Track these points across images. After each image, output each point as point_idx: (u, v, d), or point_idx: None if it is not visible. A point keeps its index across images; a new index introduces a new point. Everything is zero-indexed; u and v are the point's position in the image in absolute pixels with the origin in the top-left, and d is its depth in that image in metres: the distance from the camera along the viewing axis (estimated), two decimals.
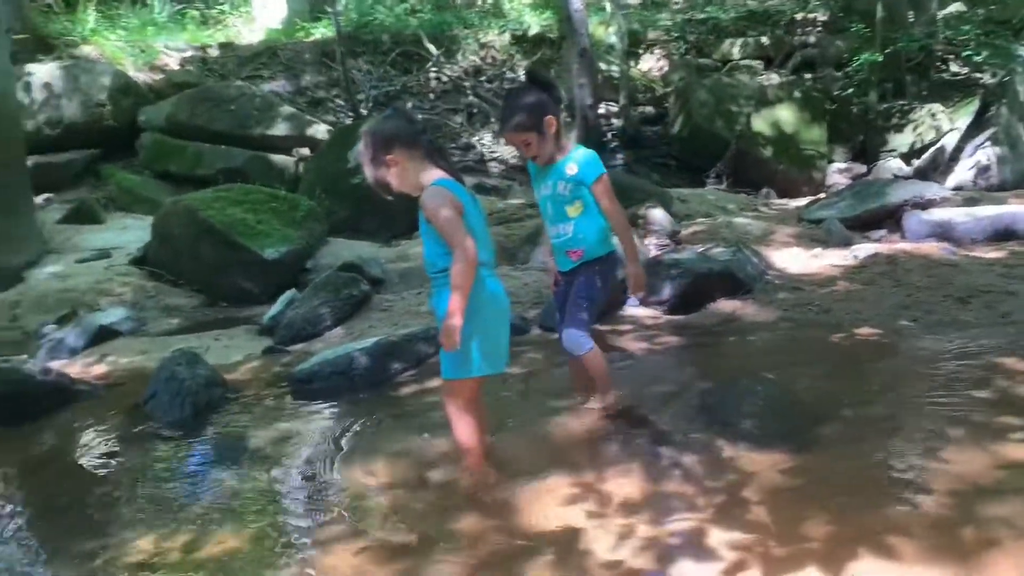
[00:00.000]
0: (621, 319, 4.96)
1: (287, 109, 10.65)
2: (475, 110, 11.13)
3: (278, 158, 10.13)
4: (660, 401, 3.52)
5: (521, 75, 11.54)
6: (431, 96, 11.32)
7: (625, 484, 2.73)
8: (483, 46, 12.42)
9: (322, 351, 4.48)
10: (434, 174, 2.79)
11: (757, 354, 4.21)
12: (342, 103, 11.47)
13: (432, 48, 11.92)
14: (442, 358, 2.80)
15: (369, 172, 2.82)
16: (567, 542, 2.40)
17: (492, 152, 10.48)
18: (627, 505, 2.58)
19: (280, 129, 10.33)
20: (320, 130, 10.46)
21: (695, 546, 2.30)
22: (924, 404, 3.38)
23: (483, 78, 11.74)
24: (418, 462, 3.04)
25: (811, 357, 4.09)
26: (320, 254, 6.95)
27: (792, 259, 5.97)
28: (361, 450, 3.25)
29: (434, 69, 11.73)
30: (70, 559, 2.53)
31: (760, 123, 9.95)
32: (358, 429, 3.47)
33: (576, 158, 3.29)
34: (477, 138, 10.77)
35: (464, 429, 2.86)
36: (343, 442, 3.35)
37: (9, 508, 2.98)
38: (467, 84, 11.50)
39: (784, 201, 9.08)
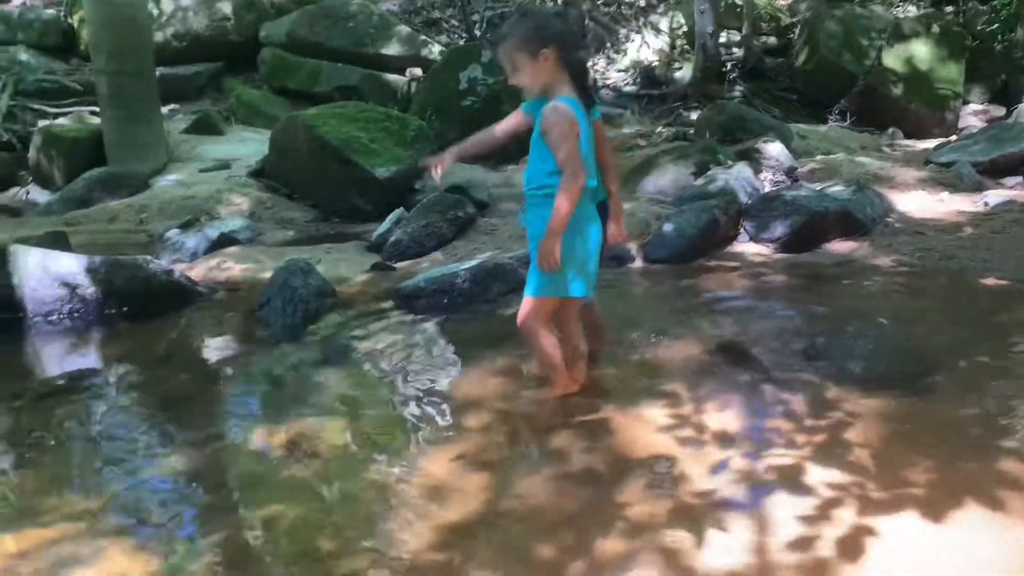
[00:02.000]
0: (731, 255, 4.86)
1: (403, 28, 10.67)
2: (590, 34, 10.87)
3: (391, 77, 10.21)
4: (765, 339, 3.45)
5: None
6: None
7: (723, 417, 2.70)
8: None
9: (427, 269, 4.57)
10: (565, 90, 2.75)
11: (871, 297, 4.06)
12: (456, 23, 11.41)
13: None
14: (531, 277, 2.79)
15: (509, 50, 2.73)
16: (660, 468, 2.41)
17: (605, 78, 10.27)
18: (723, 437, 2.56)
19: (394, 48, 10.38)
20: (433, 50, 10.46)
21: (790, 482, 2.26)
22: None
23: (600, 1, 11.42)
24: (513, 380, 3.09)
25: (929, 304, 3.93)
26: (429, 175, 7.02)
27: (916, 202, 5.69)
28: (459, 365, 3.33)
29: None
30: (185, 447, 2.70)
31: (892, 59, 9.39)
32: (457, 345, 3.54)
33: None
34: (591, 63, 10.54)
35: (548, 347, 2.84)
36: (443, 356, 3.43)
37: (130, 399, 3.19)
38: (585, 7, 11.22)
39: (911, 142, 8.61)
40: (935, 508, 2.09)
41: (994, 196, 5.67)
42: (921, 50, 9.35)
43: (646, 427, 2.67)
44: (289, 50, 10.56)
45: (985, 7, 10.47)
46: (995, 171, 6.38)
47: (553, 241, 2.64)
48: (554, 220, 2.64)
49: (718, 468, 2.38)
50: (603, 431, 2.67)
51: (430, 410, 2.91)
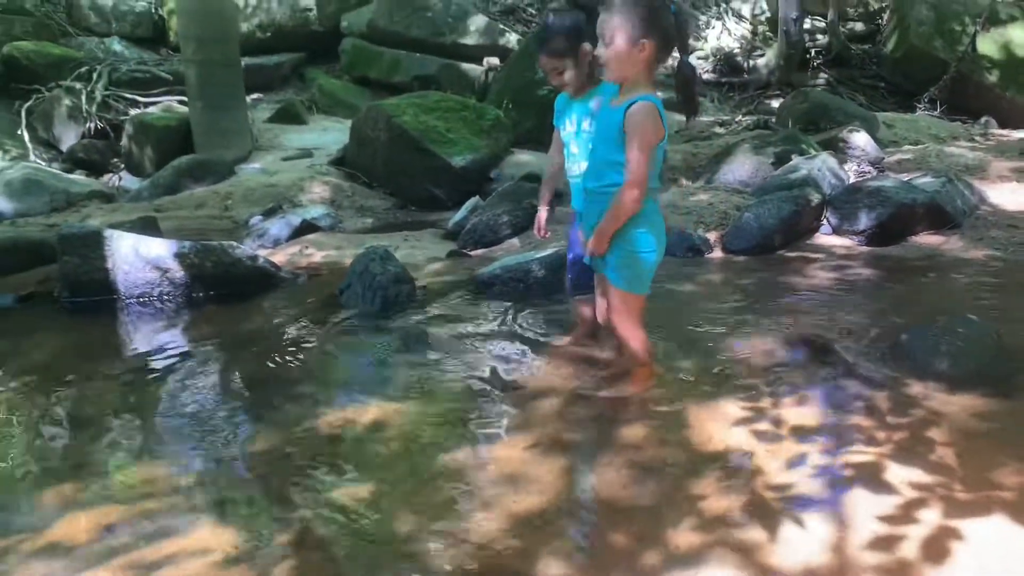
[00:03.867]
0: (812, 247, 4.76)
1: (480, 17, 10.72)
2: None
3: (468, 66, 10.27)
4: (848, 333, 3.37)
5: None
6: None
7: (801, 412, 2.66)
8: None
9: (502, 257, 4.60)
10: (648, 88, 2.71)
11: (960, 292, 3.93)
12: (534, 12, 11.39)
13: None
14: (619, 274, 2.82)
15: (611, 24, 2.61)
16: (735, 461, 2.38)
17: None
18: (801, 432, 2.52)
19: (472, 37, 10.43)
20: (511, 40, 10.48)
21: (871, 479, 2.21)
22: None
23: None
24: (590, 370, 3.09)
25: (1021, 300, 3.77)
26: (504, 164, 7.06)
27: (1010, 195, 5.47)
28: (536, 353, 3.34)
29: None
30: (269, 426, 2.78)
31: (987, 45, 9.01)
32: (534, 334, 3.56)
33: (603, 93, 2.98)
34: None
35: (639, 342, 2.89)
36: (519, 344, 3.45)
37: (217, 378, 3.30)
38: None
39: (1006, 132, 8.25)
40: (1022, 511, 2.02)
41: None
42: (1019, 35, 8.95)
43: (723, 420, 2.64)
44: (369, 40, 10.73)
45: None
46: None
47: (608, 230, 2.72)
48: (614, 218, 2.69)
49: (795, 463, 2.34)
50: (679, 423, 2.66)
51: (506, 398, 2.94)
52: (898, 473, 2.24)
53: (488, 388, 3.02)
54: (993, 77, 9.02)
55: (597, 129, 2.88)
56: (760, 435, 2.53)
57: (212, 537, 2.10)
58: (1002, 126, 8.57)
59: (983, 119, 8.77)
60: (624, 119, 2.66)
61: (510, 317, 3.78)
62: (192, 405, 2.99)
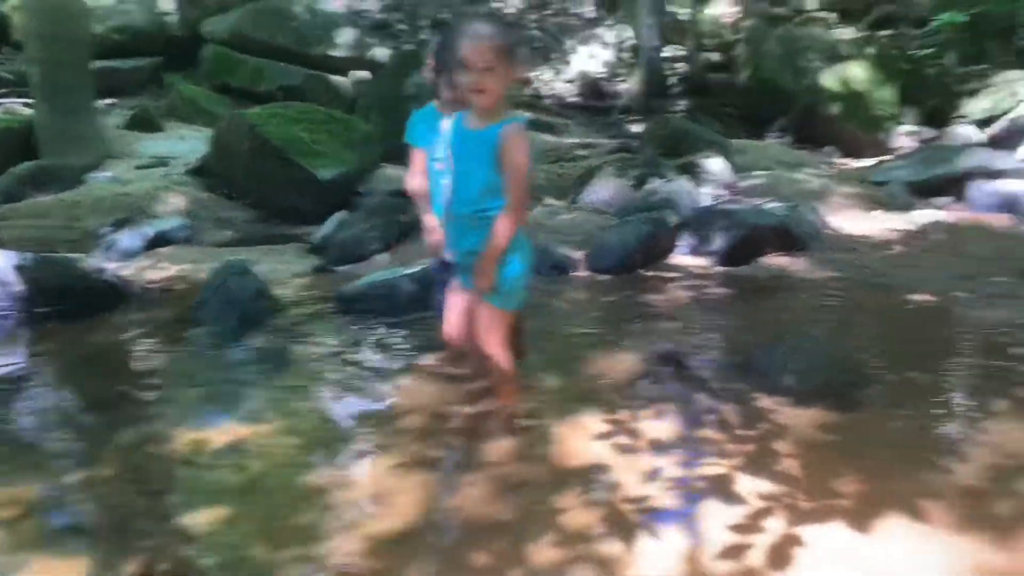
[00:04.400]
0: (671, 267, 4.92)
1: (349, 30, 10.59)
2: (537, 44, 10.93)
3: (336, 79, 10.12)
4: (701, 350, 3.51)
5: (588, 10, 11.30)
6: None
7: (658, 426, 2.73)
8: None
9: (369, 274, 4.52)
10: (512, 110, 2.72)
11: (806, 311, 4.16)
12: (404, 27, 11.36)
13: None
14: (493, 292, 2.81)
15: (492, 49, 2.54)
16: (594, 475, 2.42)
17: (550, 88, 10.33)
18: (657, 445, 2.59)
19: (340, 50, 10.30)
20: (380, 53, 10.40)
21: (722, 490, 2.30)
22: (971, 374, 3.33)
23: (548, 11, 11.50)
24: (456, 387, 3.08)
25: (861, 318, 4.04)
26: (373, 178, 6.97)
27: (850, 220, 5.85)
28: (401, 371, 3.30)
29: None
30: (114, 450, 2.62)
31: (830, 79, 9.65)
32: (399, 351, 3.52)
33: None
34: (536, 73, 10.60)
35: (506, 359, 2.88)
36: (383, 362, 3.40)
37: (57, 399, 3.09)
38: (532, 16, 11.28)
39: (847, 160, 8.85)
40: (861, 518, 2.15)
41: (924, 216, 5.86)
42: (858, 72, 9.63)
43: (584, 435, 2.68)
44: (232, 47, 10.40)
45: (919, 32, 10.83)
46: (925, 191, 6.59)
47: (494, 264, 2.68)
48: (499, 243, 2.66)
49: (652, 476, 2.41)
50: (541, 439, 2.68)
51: (368, 416, 2.89)
52: (747, 484, 2.33)
53: (348, 408, 2.96)
54: (835, 110, 9.65)
55: (465, 153, 2.82)
56: (619, 449, 2.58)
57: (54, 570, 1.95)
58: (844, 155, 9.18)
59: (827, 148, 9.37)
60: (499, 142, 2.64)
61: (375, 334, 3.72)
62: (29, 429, 2.78)
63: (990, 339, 3.68)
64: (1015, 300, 4.19)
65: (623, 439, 2.64)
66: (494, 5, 11.47)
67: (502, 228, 2.66)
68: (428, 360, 3.36)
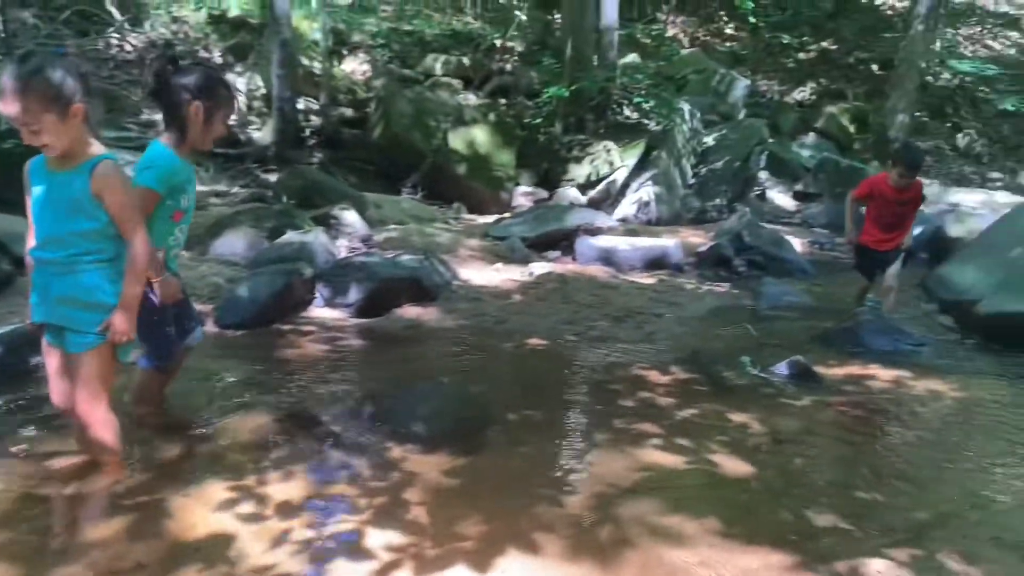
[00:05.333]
0: (306, 320, 4.83)
1: None
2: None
3: None
4: (335, 404, 3.46)
5: (217, 56, 10.91)
6: (110, 64, 10.29)
7: (286, 487, 2.63)
8: (176, 19, 11.56)
9: None
10: (100, 147, 2.50)
11: (436, 359, 4.31)
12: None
13: (115, 12, 10.87)
14: (84, 338, 2.53)
15: (25, 102, 2.28)
16: (217, 548, 2.25)
17: None
18: (286, 508, 2.49)
19: None
20: None
21: (351, 548, 2.26)
22: (579, 411, 3.67)
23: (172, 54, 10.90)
24: (57, 463, 2.70)
25: (485, 364, 4.27)
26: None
27: (476, 271, 6.22)
28: None
29: (116, 36, 10.68)
30: None
31: (456, 140, 10.28)
32: None
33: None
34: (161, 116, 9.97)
35: (109, 427, 2.59)
36: None
37: None
38: (152, 57, 10.62)
39: (473, 216, 9.45)
40: (482, 559, 2.24)
41: (538, 267, 6.43)
42: (480, 135, 10.38)
43: (206, 505, 2.49)
44: None
45: (531, 103, 12.00)
46: (540, 245, 7.25)
47: (132, 312, 2.52)
48: (134, 288, 2.50)
49: (279, 541, 2.30)
50: (158, 514, 2.44)
51: None
52: (377, 538, 2.32)
53: None
54: (462, 169, 10.28)
55: (51, 197, 2.51)
56: (245, 517, 2.44)
57: None
58: (471, 211, 9.79)
59: (455, 205, 9.93)
60: (91, 185, 2.43)
61: None
62: None
63: (592, 377, 4.11)
64: (612, 341, 4.73)
65: (249, 506, 2.50)
66: (111, 42, 10.61)
67: (137, 271, 2.51)
68: (25, 431, 2.92)
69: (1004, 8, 20.02)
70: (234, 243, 6.03)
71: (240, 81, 10.65)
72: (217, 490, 2.58)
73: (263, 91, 10.51)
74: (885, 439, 3.49)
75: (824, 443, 3.41)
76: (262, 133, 10.07)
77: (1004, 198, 10.14)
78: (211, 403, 3.37)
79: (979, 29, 19.02)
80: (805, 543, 2.46)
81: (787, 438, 3.36)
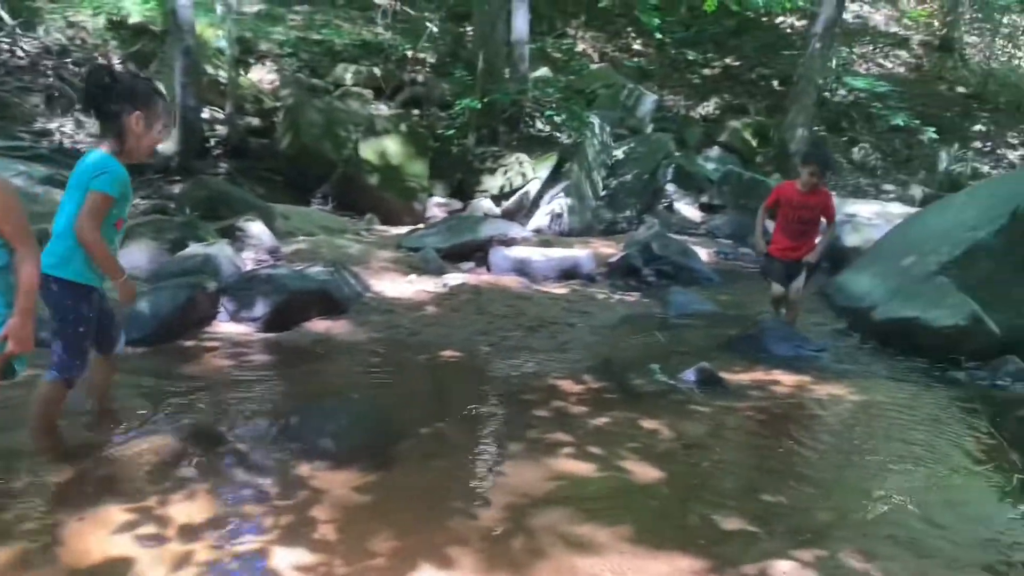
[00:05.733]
0: (211, 335, 4.69)
1: None
2: (56, 93, 9.86)
3: None
4: (240, 421, 3.36)
5: (117, 63, 10.53)
6: (1, 71, 9.82)
7: (189, 508, 2.54)
8: (72, 25, 11.10)
9: None
10: None
11: (346, 374, 4.23)
12: None
13: (6, 16, 10.38)
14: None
15: None
16: (113, 572, 2.15)
17: (75, 142, 9.37)
18: (189, 530, 2.40)
19: None
20: None
21: (257, 569, 2.20)
22: (493, 422, 3.66)
23: (69, 60, 10.46)
24: None
25: (398, 377, 4.22)
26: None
27: (388, 283, 6.15)
28: None
29: (7, 40, 10.19)
30: None
31: (368, 151, 10.18)
32: None
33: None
34: (57, 124, 9.54)
35: None
36: None
37: None
38: (48, 64, 10.17)
39: (386, 228, 9.36)
40: (394, 575, 2.19)
41: (452, 278, 6.40)
42: (392, 146, 10.30)
43: (101, 529, 2.38)
44: None
45: (444, 114, 11.98)
46: (454, 256, 7.22)
47: (30, 323, 2.40)
48: (28, 300, 2.39)
49: (181, 563, 2.21)
50: (50, 540, 2.32)
51: None
52: (285, 557, 2.26)
53: None
54: (374, 180, 10.17)
55: None
56: (144, 539, 2.34)
57: None
58: (383, 223, 9.69)
59: (367, 216, 9.82)
60: None
61: None
62: None
63: (506, 388, 4.11)
64: (526, 352, 4.74)
65: (150, 528, 2.41)
66: (1, 47, 10.11)
67: (31, 277, 2.40)
68: None
69: (894, 29, 21.07)
70: (134, 256, 5.80)
71: None
72: (115, 512, 2.47)
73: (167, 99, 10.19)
74: (789, 442, 3.59)
75: (731, 447, 3.49)
76: (165, 143, 9.76)
77: (897, 209, 10.61)
78: (110, 422, 3.23)
79: (871, 48, 19.97)
80: (713, 547, 2.50)
81: (695, 443, 3.42)
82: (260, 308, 4.91)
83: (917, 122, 13.93)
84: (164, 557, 2.24)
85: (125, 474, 2.79)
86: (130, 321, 4.51)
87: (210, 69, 10.83)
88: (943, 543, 2.61)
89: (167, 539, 2.35)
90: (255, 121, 10.92)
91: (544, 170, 10.60)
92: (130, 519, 2.44)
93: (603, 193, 10.82)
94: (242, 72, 11.37)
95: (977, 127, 17.80)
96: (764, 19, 18.82)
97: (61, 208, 2.88)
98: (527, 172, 10.71)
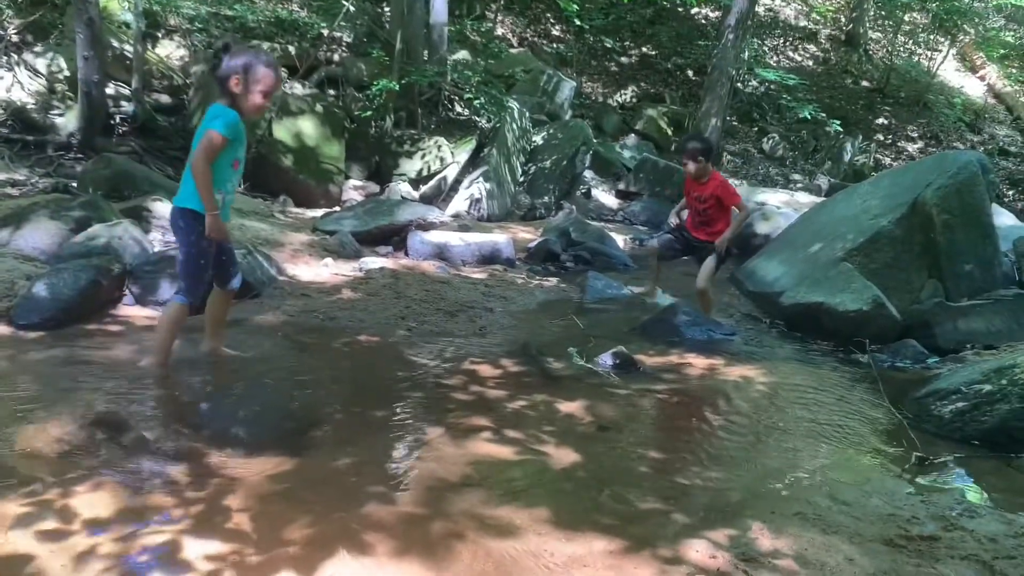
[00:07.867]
0: (115, 319, 4.51)
1: None
2: None
3: None
4: (147, 409, 3.24)
5: (13, 34, 9.99)
6: None
7: (93, 499, 2.43)
8: None
9: None
10: None
11: (259, 359, 4.12)
12: None
13: None
14: None
15: None
16: (10, 569, 2.05)
17: None
18: (93, 522, 2.30)
19: None
20: None
21: (166, 560, 2.12)
22: (410, 406, 3.62)
23: None
24: None
25: (313, 363, 4.14)
26: None
27: (303, 267, 6.04)
28: None
29: None
30: None
31: (281, 131, 9.95)
32: None
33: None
34: None
35: None
36: None
37: None
38: None
39: (301, 210, 9.18)
40: (310, 563, 2.16)
41: (369, 263, 6.32)
42: (307, 126, 10.09)
43: None
44: None
45: (361, 95, 11.78)
46: (371, 240, 7.13)
47: None
48: None
49: (85, 558, 2.12)
50: None
51: None
52: (196, 548, 2.19)
53: None
54: (288, 161, 9.96)
55: None
56: (45, 534, 2.23)
57: None
58: (298, 205, 9.49)
59: (281, 198, 9.60)
60: None
61: None
62: None
63: (424, 372, 4.08)
64: (445, 336, 4.72)
65: (51, 522, 2.30)
66: None
67: None
68: None
69: (804, 23, 21.72)
70: (33, 237, 5.54)
71: (40, 62, 9.83)
72: (11, 506, 2.35)
73: (67, 74, 9.73)
74: (702, 424, 3.67)
75: (645, 429, 3.55)
76: (66, 119, 9.33)
77: (804, 198, 10.99)
78: (5, 411, 3.07)
79: (782, 41, 20.54)
80: (628, 527, 2.54)
81: (611, 425, 3.47)
82: (167, 291, 4.74)
83: (823, 115, 14.40)
84: (66, 551, 2.14)
85: (23, 466, 2.65)
86: (27, 304, 4.31)
87: (115, 43, 10.38)
88: (847, 519, 2.71)
89: (70, 533, 2.24)
90: (164, 98, 10.54)
91: (463, 154, 10.57)
92: (27, 512, 2.33)
93: (522, 179, 10.84)
94: (150, 47, 10.93)
95: (880, 120, 18.56)
96: (680, 9, 19.14)
97: (191, 152, 3.51)
98: (446, 156, 10.65)
